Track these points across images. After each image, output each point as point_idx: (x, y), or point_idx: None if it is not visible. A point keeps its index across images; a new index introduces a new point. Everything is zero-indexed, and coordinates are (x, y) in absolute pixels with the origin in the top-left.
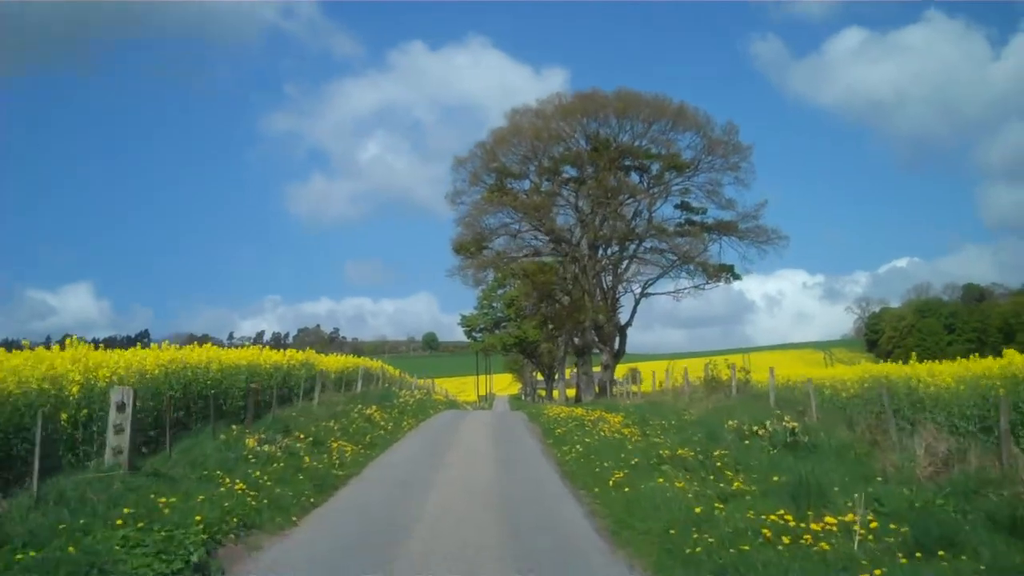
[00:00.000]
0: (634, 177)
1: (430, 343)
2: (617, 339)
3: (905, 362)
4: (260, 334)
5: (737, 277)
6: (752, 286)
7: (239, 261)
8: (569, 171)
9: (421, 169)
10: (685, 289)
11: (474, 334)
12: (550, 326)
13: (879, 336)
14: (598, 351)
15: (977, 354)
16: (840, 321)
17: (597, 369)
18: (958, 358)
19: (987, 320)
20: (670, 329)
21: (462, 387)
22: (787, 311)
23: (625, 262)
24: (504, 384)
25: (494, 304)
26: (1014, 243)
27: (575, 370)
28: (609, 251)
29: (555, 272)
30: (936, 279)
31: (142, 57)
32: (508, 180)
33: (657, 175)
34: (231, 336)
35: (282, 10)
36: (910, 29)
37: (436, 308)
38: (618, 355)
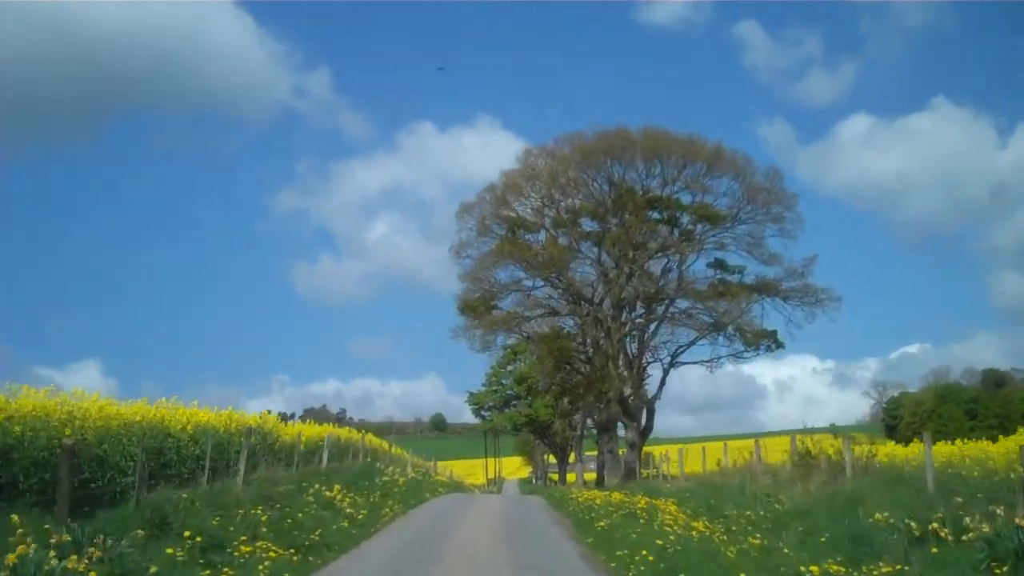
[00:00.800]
0: (663, 230)
1: (437, 424)
2: (644, 414)
3: None
4: (266, 413)
5: (780, 345)
6: (763, 371)
7: (247, 340)
8: (589, 224)
9: (427, 249)
10: (721, 358)
11: (482, 412)
12: (567, 400)
13: (898, 421)
14: (622, 428)
15: None
16: (852, 406)
17: (622, 451)
18: None
19: (1009, 405)
20: (676, 415)
21: (470, 470)
22: (797, 396)
23: (653, 325)
24: (514, 467)
25: (503, 381)
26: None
27: (596, 451)
28: (635, 313)
29: (573, 338)
30: (948, 365)
31: (150, 130)
32: (520, 232)
33: (688, 229)
34: None
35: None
36: (917, 116)
37: (444, 390)
38: (645, 433)
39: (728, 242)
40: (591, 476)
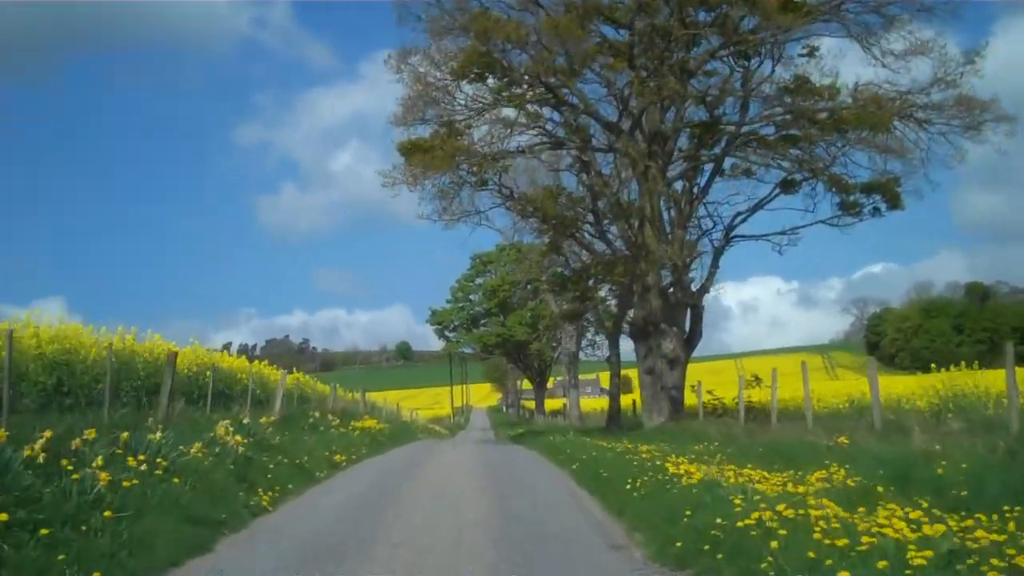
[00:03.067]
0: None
1: (404, 353)
2: (687, 315)
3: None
4: (227, 345)
5: (896, 204)
6: (726, 292)
7: (213, 274)
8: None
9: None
10: (802, 228)
11: (447, 333)
12: (571, 295)
13: (881, 338)
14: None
15: None
16: (819, 326)
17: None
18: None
19: (998, 319)
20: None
21: (436, 399)
22: (762, 318)
23: (702, 178)
24: (482, 395)
25: (471, 296)
26: (988, 247)
27: (606, 375)
28: (675, 153)
29: (579, 202)
30: (930, 280)
31: (108, 66)
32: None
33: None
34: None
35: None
36: None
37: (411, 319)
38: (692, 343)
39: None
40: (593, 405)
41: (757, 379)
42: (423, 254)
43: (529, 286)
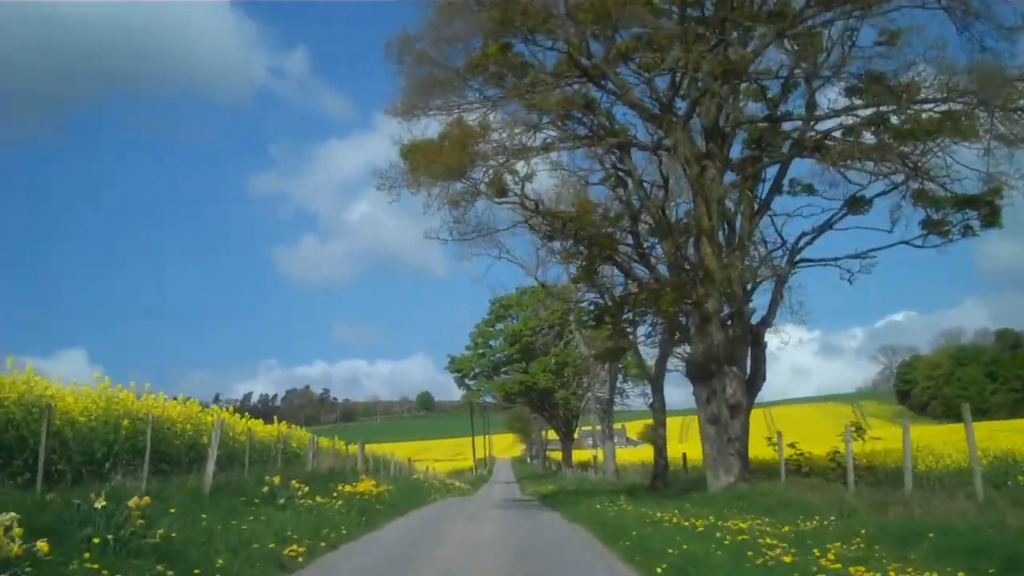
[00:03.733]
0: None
1: (425, 403)
2: (748, 354)
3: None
4: (248, 396)
5: (993, 221)
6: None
7: (234, 324)
8: None
9: (411, 228)
10: (879, 250)
11: (467, 381)
12: (612, 328)
13: (911, 386)
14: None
15: None
16: (842, 375)
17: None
18: None
19: None
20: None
21: (457, 449)
22: (783, 366)
23: (763, 185)
24: (505, 445)
25: (491, 342)
26: (1011, 294)
27: (649, 423)
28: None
29: (619, 218)
30: (960, 327)
31: (125, 117)
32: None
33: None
34: (217, 398)
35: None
36: None
37: (432, 369)
38: (755, 384)
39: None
40: (625, 457)
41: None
42: (444, 303)
43: (554, 328)
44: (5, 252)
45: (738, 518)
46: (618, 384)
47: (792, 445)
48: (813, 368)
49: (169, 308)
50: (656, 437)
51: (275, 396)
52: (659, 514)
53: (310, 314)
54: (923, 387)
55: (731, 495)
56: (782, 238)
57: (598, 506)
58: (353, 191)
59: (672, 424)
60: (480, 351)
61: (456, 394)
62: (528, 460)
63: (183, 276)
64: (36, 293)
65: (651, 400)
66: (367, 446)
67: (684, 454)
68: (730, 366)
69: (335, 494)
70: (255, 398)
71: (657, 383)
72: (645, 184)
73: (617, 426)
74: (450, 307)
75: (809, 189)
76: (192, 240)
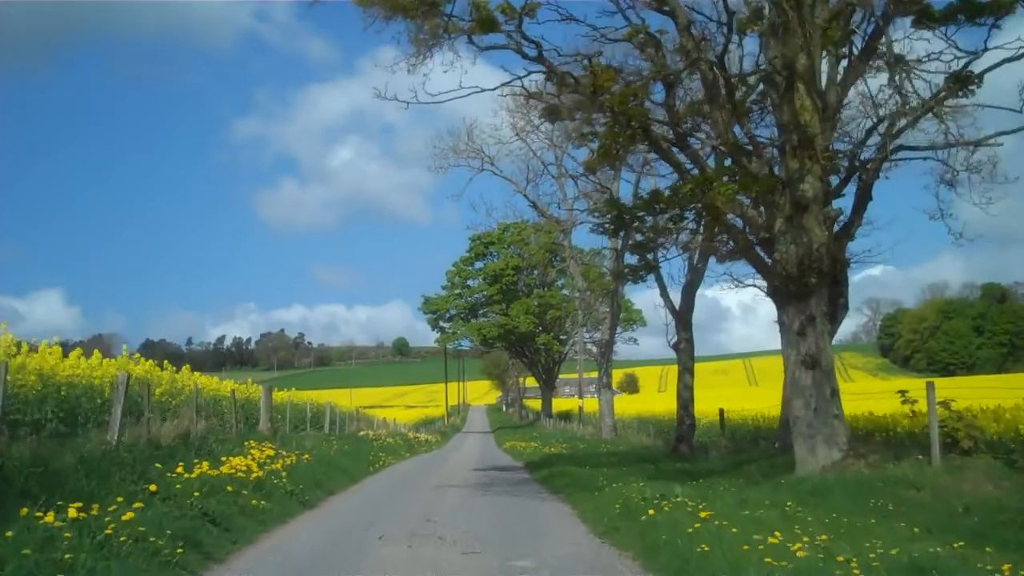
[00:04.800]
0: None
1: (400, 349)
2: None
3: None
4: (221, 339)
5: None
6: (724, 294)
7: (212, 267)
8: None
9: (393, 174)
10: (1008, 134)
11: (441, 324)
12: (645, 235)
13: (895, 340)
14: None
15: None
16: None
17: None
18: None
19: (1021, 321)
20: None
21: (431, 396)
22: (761, 318)
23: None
24: (480, 392)
25: (469, 282)
26: (988, 248)
27: (673, 367)
28: None
29: (646, 89)
30: (945, 280)
31: (108, 58)
32: None
33: None
34: (190, 341)
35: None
36: None
37: (411, 316)
38: (836, 317)
39: None
40: (635, 408)
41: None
42: (425, 250)
43: (545, 257)
44: None
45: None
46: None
47: (946, 404)
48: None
49: (148, 250)
50: (682, 388)
51: (249, 340)
52: (759, 515)
53: (289, 258)
54: (907, 340)
55: (844, 483)
56: (877, 115)
57: (635, 497)
58: (335, 136)
59: (647, 375)
60: (457, 291)
61: (432, 340)
62: (504, 408)
63: (163, 218)
64: (12, 233)
65: (674, 339)
66: (300, 395)
67: (721, 411)
68: (819, 281)
69: (176, 482)
70: (228, 342)
71: (684, 317)
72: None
73: (595, 374)
74: (431, 254)
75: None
76: (173, 182)
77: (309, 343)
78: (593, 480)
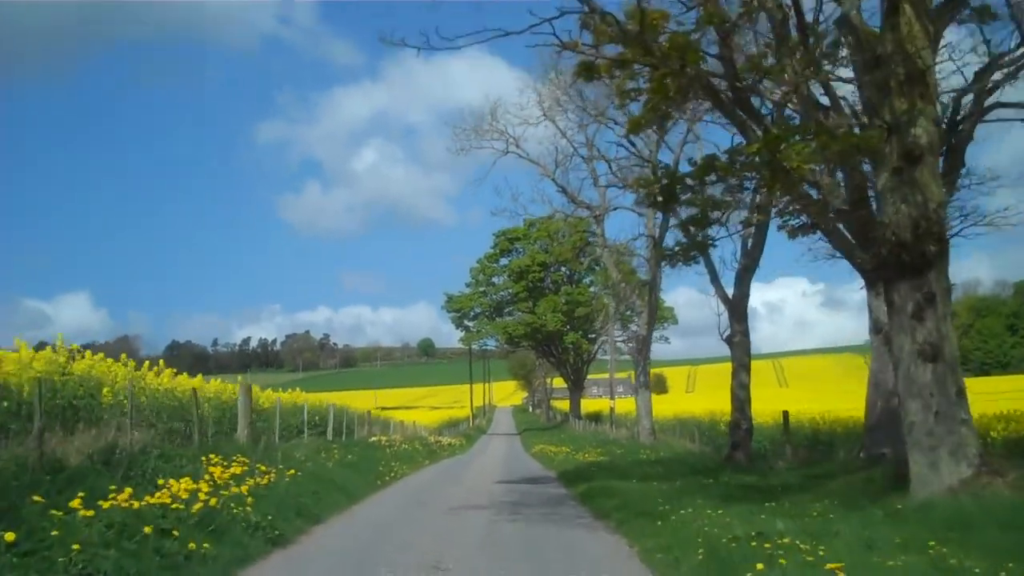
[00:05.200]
0: None
1: (426, 350)
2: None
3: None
4: (246, 340)
5: None
6: (751, 294)
7: (238, 271)
8: None
9: (417, 178)
10: None
11: (466, 323)
12: (702, 210)
13: None
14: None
15: None
16: (846, 328)
17: None
18: None
19: None
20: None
21: (456, 398)
22: (787, 318)
23: None
24: (506, 393)
25: (494, 279)
26: (1013, 245)
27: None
28: None
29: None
30: (977, 278)
31: (131, 62)
32: None
33: None
34: (215, 343)
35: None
36: None
37: (436, 318)
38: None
39: None
40: (671, 409)
41: None
42: (450, 252)
43: (576, 247)
44: (10, 194)
45: None
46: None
47: None
48: (818, 320)
49: (174, 253)
50: (737, 387)
51: (274, 341)
52: (902, 563)
53: (314, 261)
54: None
55: (988, 510)
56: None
57: (721, 536)
58: (359, 139)
59: (675, 375)
60: (481, 289)
61: (457, 340)
62: (530, 409)
63: (190, 221)
64: (41, 237)
65: (727, 332)
66: (299, 396)
67: (786, 413)
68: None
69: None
70: (254, 343)
71: (738, 307)
72: None
73: (623, 375)
74: (456, 256)
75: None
76: (198, 185)
77: (334, 344)
78: (648, 500)
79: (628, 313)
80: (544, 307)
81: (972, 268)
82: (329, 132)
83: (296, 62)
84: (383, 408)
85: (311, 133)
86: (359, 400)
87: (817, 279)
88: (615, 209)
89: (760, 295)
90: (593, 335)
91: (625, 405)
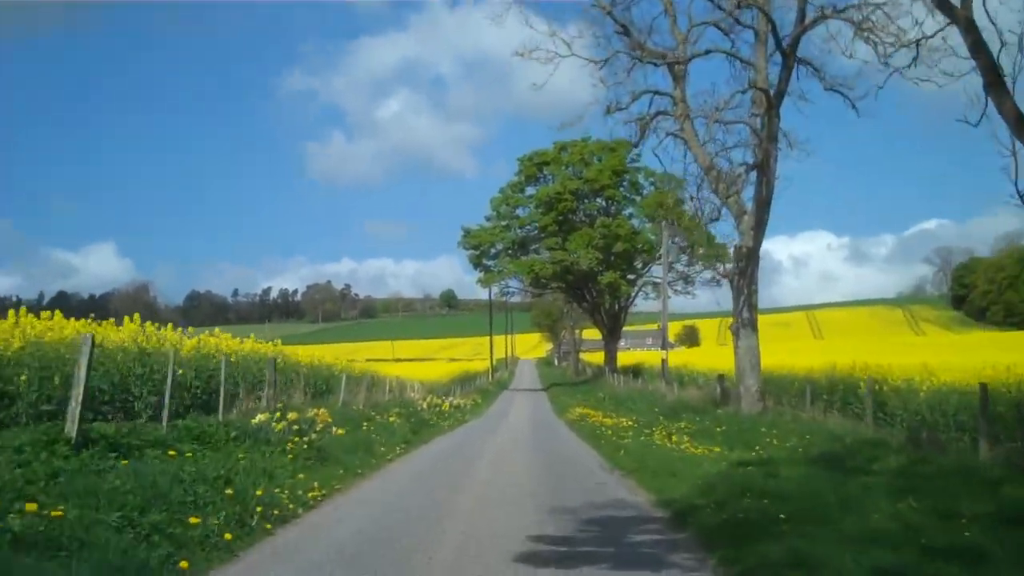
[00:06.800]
0: None
1: (448, 301)
2: None
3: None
4: (267, 291)
5: None
6: (777, 247)
7: (263, 221)
8: None
9: (443, 128)
10: None
11: (485, 261)
12: None
13: (968, 291)
14: None
15: None
16: (871, 281)
17: None
18: None
19: None
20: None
21: (477, 350)
22: (813, 272)
23: None
24: (529, 346)
25: (518, 211)
26: None
27: None
28: None
29: None
30: (1019, 230)
31: (160, 12)
32: None
33: None
34: (235, 293)
35: None
36: None
37: (460, 270)
38: None
39: None
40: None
41: None
42: (474, 204)
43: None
44: (35, 146)
45: None
46: (680, 264)
47: None
48: (842, 274)
49: (199, 204)
50: None
51: (295, 291)
52: None
53: (338, 212)
54: (983, 291)
55: None
56: None
57: None
58: (384, 89)
59: (706, 328)
60: (503, 223)
61: (483, 293)
62: (555, 362)
63: (213, 171)
64: (66, 189)
65: None
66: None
67: (983, 386)
68: None
69: None
70: (275, 293)
71: None
72: None
73: (651, 327)
74: (481, 209)
75: None
76: (222, 135)
77: (356, 295)
78: None
79: (712, 220)
80: (576, 243)
81: (1002, 224)
82: (355, 81)
83: (321, 10)
84: (370, 360)
85: (336, 82)
86: (376, 351)
87: (842, 232)
88: (706, 53)
89: (785, 249)
90: (632, 276)
91: (675, 357)
